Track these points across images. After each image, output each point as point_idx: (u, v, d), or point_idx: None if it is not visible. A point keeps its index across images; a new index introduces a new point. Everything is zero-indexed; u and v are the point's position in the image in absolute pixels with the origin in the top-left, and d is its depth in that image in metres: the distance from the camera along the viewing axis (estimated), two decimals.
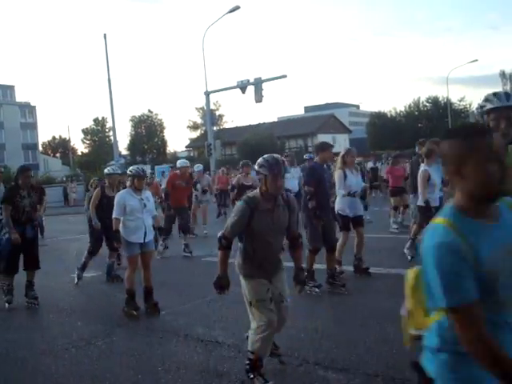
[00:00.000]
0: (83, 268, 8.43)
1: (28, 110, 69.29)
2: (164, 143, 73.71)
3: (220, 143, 29.30)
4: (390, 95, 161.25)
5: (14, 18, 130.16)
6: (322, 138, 64.76)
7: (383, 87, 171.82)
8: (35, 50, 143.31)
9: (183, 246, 10.60)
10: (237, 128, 68.63)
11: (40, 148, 75.43)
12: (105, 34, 28.37)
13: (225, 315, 6.04)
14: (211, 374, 4.39)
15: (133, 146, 70.06)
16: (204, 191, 13.47)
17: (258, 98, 24.49)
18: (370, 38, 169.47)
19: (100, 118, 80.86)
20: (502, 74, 64.19)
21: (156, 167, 34.82)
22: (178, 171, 11.27)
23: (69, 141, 79.04)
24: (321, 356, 4.59)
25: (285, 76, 24.82)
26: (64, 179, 38.93)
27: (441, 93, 76.77)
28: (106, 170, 8.71)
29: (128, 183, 6.69)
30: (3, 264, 7.38)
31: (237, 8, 25.75)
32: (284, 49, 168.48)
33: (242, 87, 25.15)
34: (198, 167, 13.77)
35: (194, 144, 68.12)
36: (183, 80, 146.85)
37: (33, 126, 69.27)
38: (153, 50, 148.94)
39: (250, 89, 24.84)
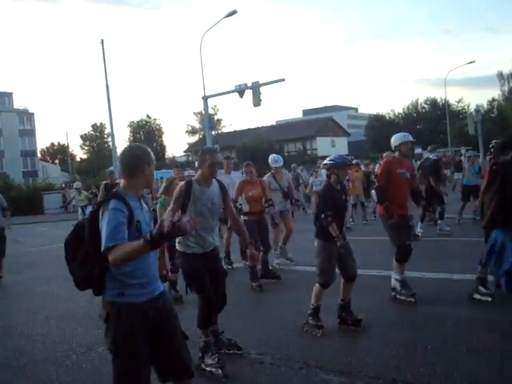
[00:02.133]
0: None
1: (26, 116, 69.35)
2: (163, 148, 73.73)
3: (219, 147, 29.25)
4: (388, 97, 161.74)
5: (12, 24, 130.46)
6: (321, 141, 64.98)
7: (381, 90, 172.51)
8: (33, 57, 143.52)
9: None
10: (235, 132, 68.72)
11: (38, 155, 75.53)
12: (102, 40, 28.47)
13: (229, 318, 6.03)
14: (216, 378, 4.38)
15: None
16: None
17: (256, 101, 24.47)
18: (368, 40, 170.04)
19: (98, 124, 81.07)
20: (500, 75, 64.52)
21: (155, 172, 34.83)
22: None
23: (67, 147, 79.20)
24: (322, 359, 4.58)
25: (283, 80, 24.80)
26: (63, 186, 38.90)
27: (439, 94, 76.99)
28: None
29: None
30: None
31: (234, 12, 25.76)
32: (281, 52, 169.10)
33: (240, 91, 25.11)
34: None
35: (192, 148, 68.06)
36: (181, 85, 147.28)
37: (31, 133, 69.31)
38: (151, 56, 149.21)
39: (248, 93, 24.81)
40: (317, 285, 5.39)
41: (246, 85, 24.95)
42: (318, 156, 53.28)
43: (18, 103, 76.80)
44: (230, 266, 8.99)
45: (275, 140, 56.75)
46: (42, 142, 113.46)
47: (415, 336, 5.00)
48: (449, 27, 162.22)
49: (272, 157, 9.40)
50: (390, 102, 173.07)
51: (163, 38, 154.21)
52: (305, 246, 10.15)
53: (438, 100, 67.37)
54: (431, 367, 4.21)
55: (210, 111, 43.89)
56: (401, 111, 71.16)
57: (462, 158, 29.28)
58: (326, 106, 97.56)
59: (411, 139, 6.43)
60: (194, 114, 70.19)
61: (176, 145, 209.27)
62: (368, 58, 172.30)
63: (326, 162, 5.48)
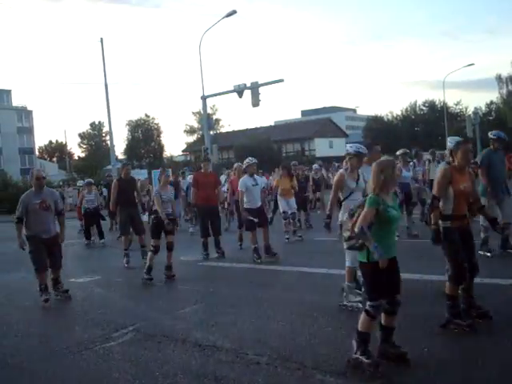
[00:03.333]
0: None
1: (25, 114, 69.29)
2: (161, 147, 73.56)
3: (217, 147, 29.25)
4: (387, 99, 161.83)
5: (11, 21, 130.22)
6: (319, 142, 65.04)
7: (380, 91, 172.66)
8: (32, 54, 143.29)
9: None
10: (234, 132, 68.76)
11: (36, 152, 75.44)
12: (101, 39, 28.52)
13: (222, 320, 6.03)
14: (209, 378, 4.38)
15: (129, 150, 69.95)
16: None
17: (255, 102, 24.50)
18: (367, 42, 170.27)
19: (97, 123, 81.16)
20: (499, 78, 64.23)
21: (153, 171, 34.70)
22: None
23: (65, 145, 79.13)
24: (319, 360, 4.58)
25: (282, 80, 24.83)
26: (60, 184, 38.82)
27: (437, 96, 76.88)
28: None
29: None
30: None
31: (233, 12, 25.78)
32: (281, 53, 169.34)
33: (239, 91, 25.14)
34: None
35: (190, 148, 68.07)
36: (180, 84, 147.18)
37: (29, 131, 69.26)
38: (150, 55, 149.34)
39: (247, 93, 24.86)
40: None
41: (244, 85, 24.98)
42: (316, 157, 53.30)
43: (16, 101, 76.68)
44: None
45: (273, 140, 56.81)
46: (40, 140, 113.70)
47: (412, 337, 5.00)
48: (448, 29, 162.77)
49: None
50: (389, 103, 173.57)
51: (162, 37, 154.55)
52: (297, 247, 10.15)
53: (437, 102, 67.41)
54: (427, 368, 4.21)
55: (209, 111, 43.87)
56: (399, 113, 71.20)
57: None
58: (324, 107, 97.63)
59: None
60: (193, 113, 70.09)
61: (174, 144, 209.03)
62: (367, 60, 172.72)
63: None
